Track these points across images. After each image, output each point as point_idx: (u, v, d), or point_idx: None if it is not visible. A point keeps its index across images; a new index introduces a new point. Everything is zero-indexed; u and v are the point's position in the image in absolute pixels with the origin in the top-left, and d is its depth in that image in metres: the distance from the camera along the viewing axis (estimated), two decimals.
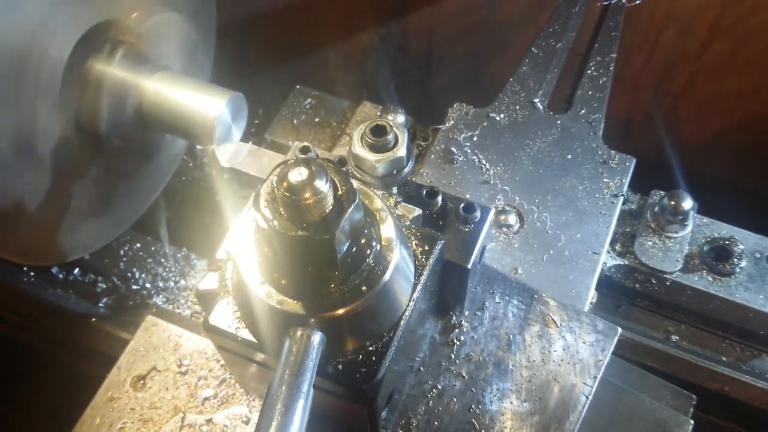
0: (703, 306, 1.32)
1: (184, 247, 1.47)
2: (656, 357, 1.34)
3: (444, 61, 2.10)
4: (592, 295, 1.24)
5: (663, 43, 1.77)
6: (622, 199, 1.32)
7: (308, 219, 0.72)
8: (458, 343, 1.05)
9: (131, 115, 1.18)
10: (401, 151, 0.90)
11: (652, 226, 1.35)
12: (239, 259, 0.81)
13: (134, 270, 1.43)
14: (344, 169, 0.90)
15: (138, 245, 1.47)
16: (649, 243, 1.34)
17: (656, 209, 1.35)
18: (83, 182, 1.21)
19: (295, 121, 1.50)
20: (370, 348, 0.83)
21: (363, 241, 0.79)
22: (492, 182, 1.34)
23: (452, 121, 1.42)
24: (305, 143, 1.00)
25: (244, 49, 2.08)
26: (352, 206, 0.74)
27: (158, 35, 1.22)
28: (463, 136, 1.39)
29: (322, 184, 0.71)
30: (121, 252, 1.46)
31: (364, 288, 0.78)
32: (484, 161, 1.36)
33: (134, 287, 1.42)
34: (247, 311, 0.83)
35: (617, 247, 1.36)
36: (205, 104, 1.14)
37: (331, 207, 0.73)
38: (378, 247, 0.80)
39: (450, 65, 2.10)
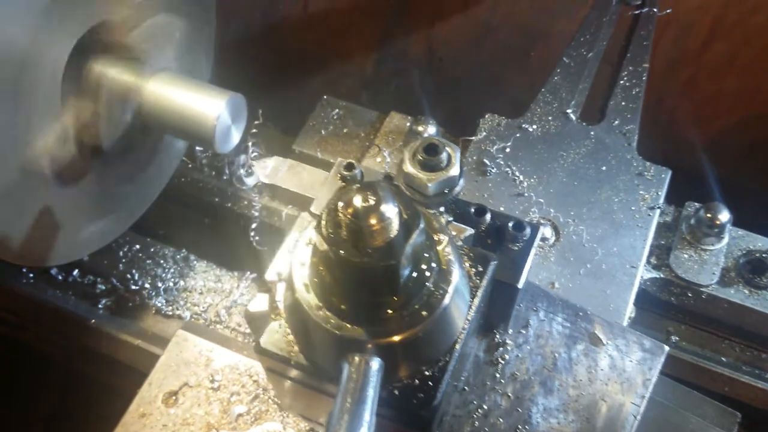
0: (739, 319, 1.31)
1: (183, 248, 1.46)
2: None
3: (444, 62, 2.09)
4: (630, 309, 1.22)
5: (663, 43, 1.75)
6: (658, 211, 1.30)
7: (372, 244, 0.71)
8: (503, 362, 1.04)
9: (130, 117, 1.17)
10: (454, 170, 0.89)
11: (688, 238, 1.34)
12: (295, 282, 0.79)
13: (133, 271, 1.42)
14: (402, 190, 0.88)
15: (137, 246, 1.45)
16: (685, 256, 1.33)
17: (692, 221, 1.33)
18: (82, 184, 1.21)
19: (323, 132, 1.49)
20: (426, 373, 0.82)
21: (423, 264, 0.77)
22: (526, 195, 1.33)
23: (484, 132, 1.41)
24: (350, 160, 0.98)
25: (244, 52, 2.08)
26: (417, 231, 0.72)
27: (157, 37, 1.21)
28: (495, 147, 1.38)
29: (389, 210, 0.69)
30: (121, 253, 1.44)
31: (424, 313, 0.77)
32: (517, 173, 1.35)
33: (133, 288, 1.40)
34: (302, 335, 0.82)
35: (652, 259, 1.34)
36: (204, 105, 1.13)
37: (396, 232, 0.71)
38: (437, 270, 0.79)
39: (451, 66, 2.09)
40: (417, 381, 0.81)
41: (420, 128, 1.42)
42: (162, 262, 1.44)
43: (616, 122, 1.41)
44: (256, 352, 0.85)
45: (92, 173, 1.21)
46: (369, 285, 0.74)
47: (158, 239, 1.47)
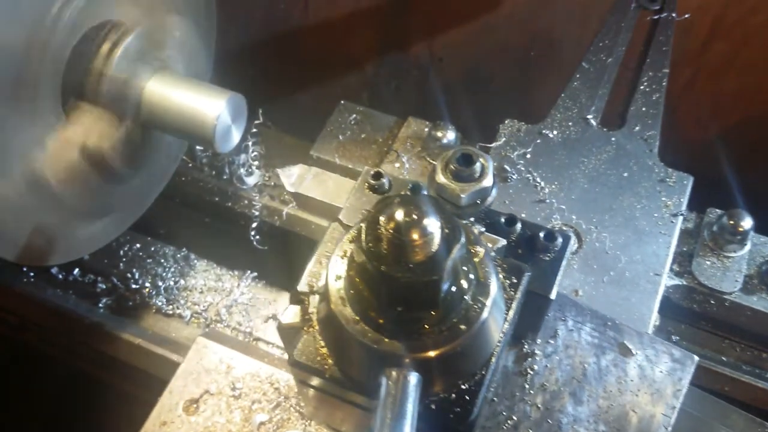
0: (762, 327, 1.31)
1: (183, 247, 1.46)
2: None
3: (444, 62, 2.08)
4: (654, 317, 1.22)
5: None
6: (681, 218, 1.29)
7: (413, 259, 0.70)
8: (532, 372, 1.03)
9: (131, 116, 1.18)
10: (487, 180, 0.88)
11: (710, 245, 1.33)
12: (331, 295, 0.78)
13: (134, 270, 1.41)
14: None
15: (138, 245, 1.45)
16: (707, 263, 1.32)
17: (714, 228, 1.33)
18: (83, 183, 1.21)
19: (340, 137, 1.47)
20: (463, 386, 0.81)
21: (462, 278, 0.76)
22: (548, 201, 1.32)
23: (504, 138, 1.40)
24: (378, 169, 0.97)
25: (244, 52, 2.07)
26: (458, 246, 0.71)
27: (157, 36, 1.21)
28: (516, 153, 1.37)
29: (431, 224, 0.68)
30: (121, 252, 1.44)
31: (462, 327, 0.76)
32: (538, 179, 1.34)
33: (134, 287, 1.40)
34: (337, 348, 0.81)
35: (674, 266, 1.33)
36: (205, 104, 1.14)
37: (437, 247, 0.70)
38: (475, 283, 0.78)
39: (451, 66, 2.08)
40: (453, 395, 0.80)
41: (439, 134, 1.41)
42: (162, 261, 1.44)
43: (637, 128, 1.40)
44: (290, 365, 0.84)
45: (92, 173, 1.21)
46: (409, 300, 0.73)
47: (158, 238, 1.47)
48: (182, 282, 1.41)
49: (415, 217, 0.67)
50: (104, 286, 1.41)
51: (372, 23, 2.03)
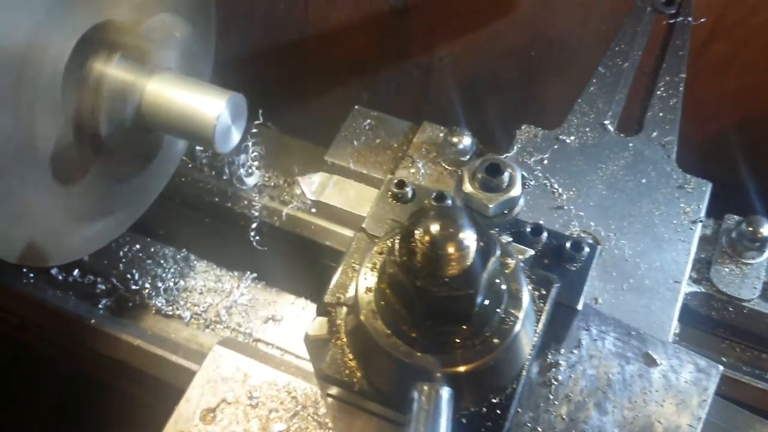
0: None
1: (183, 248, 1.45)
2: None
3: (444, 61, 2.07)
4: (675, 326, 1.21)
5: None
6: (700, 225, 1.29)
7: (448, 273, 0.69)
8: (556, 382, 1.02)
9: (131, 116, 1.18)
10: (515, 190, 0.87)
11: (728, 252, 1.33)
12: (362, 308, 0.77)
13: (134, 271, 1.41)
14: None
15: (137, 246, 1.44)
16: (726, 270, 1.32)
17: (733, 235, 1.32)
18: (82, 184, 1.21)
19: (355, 143, 1.46)
20: (494, 400, 0.80)
21: (494, 290, 0.75)
22: (566, 208, 1.31)
23: (519, 145, 1.38)
24: (401, 178, 0.96)
25: (244, 52, 2.06)
26: (494, 259, 0.70)
27: (157, 36, 1.21)
28: (533, 159, 1.36)
29: (467, 238, 0.67)
30: (121, 253, 1.44)
31: (495, 341, 0.75)
32: (556, 185, 1.33)
33: (134, 288, 1.40)
34: (366, 361, 0.80)
35: (692, 273, 1.33)
36: (204, 104, 1.14)
37: (472, 260, 0.69)
38: (507, 296, 0.77)
39: (451, 66, 2.07)
40: (485, 409, 0.79)
41: (455, 139, 1.40)
42: (162, 262, 1.43)
43: (655, 134, 1.39)
44: (318, 378, 0.83)
45: (92, 173, 1.21)
46: (442, 314, 0.72)
47: (158, 239, 1.46)
48: (182, 283, 1.41)
49: (451, 230, 0.66)
50: (104, 287, 1.41)
51: (372, 23, 2.02)
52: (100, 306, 1.38)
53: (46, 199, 1.14)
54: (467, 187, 0.87)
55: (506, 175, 0.86)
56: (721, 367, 1.03)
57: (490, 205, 0.86)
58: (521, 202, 0.89)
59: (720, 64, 1.77)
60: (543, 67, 1.94)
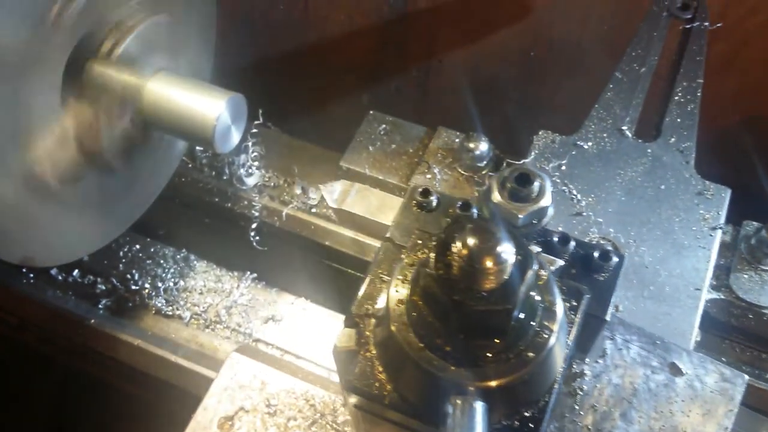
0: None
1: (183, 248, 1.46)
2: None
3: (444, 62, 2.06)
4: (696, 333, 1.20)
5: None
6: (720, 232, 1.28)
7: (486, 287, 0.68)
8: (581, 392, 1.01)
9: (130, 117, 1.18)
10: (545, 200, 0.86)
11: (747, 258, 1.32)
12: (393, 320, 0.76)
13: (133, 271, 1.42)
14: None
15: (137, 246, 1.45)
16: (745, 276, 1.31)
17: (752, 241, 1.31)
18: (82, 184, 1.22)
19: (370, 148, 1.45)
20: (526, 414, 0.79)
21: (529, 303, 0.75)
22: (585, 214, 1.30)
23: (537, 150, 1.38)
24: (425, 186, 0.95)
25: (243, 52, 2.05)
26: (531, 272, 0.69)
27: (157, 36, 1.21)
28: (551, 165, 1.35)
29: (505, 251, 0.66)
30: (121, 253, 1.44)
31: (530, 354, 0.74)
32: (574, 192, 1.32)
33: (133, 288, 1.40)
34: (397, 374, 0.79)
35: (712, 280, 1.32)
36: (204, 105, 1.14)
37: (510, 274, 0.68)
38: (542, 308, 0.76)
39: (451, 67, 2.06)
40: (517, 422, 0.78)
41: (471, 145, 1.39)
42: (162, 262, 1.44)
43: (673, 139, 1.38)
44: (347, 390, 0.82)
45: (92, 174, 1.21)
46: (478, 328, 0.71)
47: (158, 239, 1.47)
48: (182, 283, 1.42)
49: (489, 244, 0.66)
50: (104, 287, 1.41)
51: (372, 24, 2.01)
52: (100, 306, 1.39)
53: (46, 199, 1.14)
54: (496, 197, 0.86)
55: (536, 185, 0.85)
56: (746, 377, 1.03)
57: (520, 216, 0.85)
58: (550, 212, 0.88)
59: (720, 64, 1.76)
60: (543, 68, 1.94)
